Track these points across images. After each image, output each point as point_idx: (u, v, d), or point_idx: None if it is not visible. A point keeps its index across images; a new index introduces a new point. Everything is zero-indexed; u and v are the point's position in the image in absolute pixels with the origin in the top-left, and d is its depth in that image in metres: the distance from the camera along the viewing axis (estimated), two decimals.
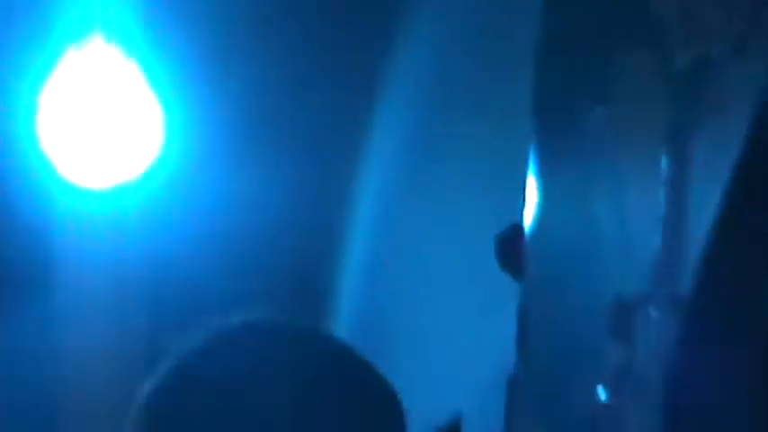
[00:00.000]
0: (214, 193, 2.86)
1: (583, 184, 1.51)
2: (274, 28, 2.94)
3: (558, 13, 1.71)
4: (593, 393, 1.45)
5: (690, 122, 1.35)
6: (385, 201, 2.63)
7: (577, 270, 1.49)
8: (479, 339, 1.81)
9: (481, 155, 2.12)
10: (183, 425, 1.12)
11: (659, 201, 1.38)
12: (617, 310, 1.42)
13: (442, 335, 2.05)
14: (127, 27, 3.06)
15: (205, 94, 2.89)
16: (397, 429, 1.17)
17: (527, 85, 1.67)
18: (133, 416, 1.13)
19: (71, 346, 3.29)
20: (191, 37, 2.97)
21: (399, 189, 2.52)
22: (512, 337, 1.54)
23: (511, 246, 1.61)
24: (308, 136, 2.78)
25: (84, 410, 3.21)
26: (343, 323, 2.67)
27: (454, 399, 1.87)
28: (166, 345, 1.23)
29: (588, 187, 1.49)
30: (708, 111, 1.34)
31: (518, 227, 1.65)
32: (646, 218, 1.39)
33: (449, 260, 2.03)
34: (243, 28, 2.94)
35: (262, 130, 2.83)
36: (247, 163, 2.79)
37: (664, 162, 1.38)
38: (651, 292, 1.38)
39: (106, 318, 3.27)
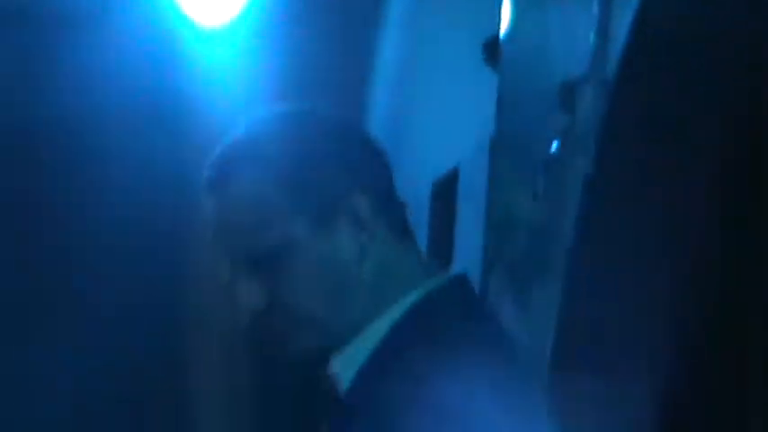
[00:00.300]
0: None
1: (540, 1, 1.99)
2: None
3: None
4: (549, 148, 1.96)
5: None
6: (405, 20, 3.14)
7: (537, 61, 1.98)
8: (470, 113, 2.29)
9: None
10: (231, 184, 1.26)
11: (593, 11, 1.86)
12: (564, 89, 1.92)
13: (444, 111, 2.54)
14: None
15: None
16: (384, 170, 1.32)
17: None
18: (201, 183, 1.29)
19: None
20: None
21: (414, 12, 3.02)
22: (493, 111, 2.05)
23: (492, 49, 2.10)
24: None
25: None
26: (375, 112, 3.23)
27: (451, 157, 2.36)
28: None
29: (544, 3, 1.98)
30: None
31: (496, 36, 2.14)
32: (584, 23, 1.88)
33: (451, 59, 2.50)
34: None
35: None
36: None
37: None
38: (588, 76, 1.87)
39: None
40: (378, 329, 1.28)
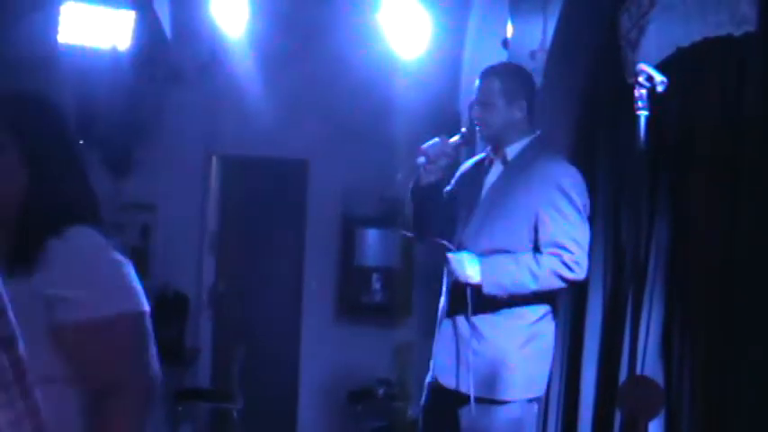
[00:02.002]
0: None
1: (521, 18, 5.08)
2: None
3: None
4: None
5: None
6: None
7: (520, 43, 5.00)
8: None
9: None
10: None
11: (541, 19, 4.95)
12: (532, 53, 4.94)
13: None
14: None
15: None
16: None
17: None
18: None
19: None
20: None
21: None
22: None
23: (505, 41, 5.11)
24: None
25: None
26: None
27: None
28: None
29: (522, 19, 5.08)
30: None
31: (506, 38, 5.17)
32: (537, 26, 4.93)
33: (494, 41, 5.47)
34: None
35: None
36: None
37: None
38: (540, 48, 4.89)
39: None
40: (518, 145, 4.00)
